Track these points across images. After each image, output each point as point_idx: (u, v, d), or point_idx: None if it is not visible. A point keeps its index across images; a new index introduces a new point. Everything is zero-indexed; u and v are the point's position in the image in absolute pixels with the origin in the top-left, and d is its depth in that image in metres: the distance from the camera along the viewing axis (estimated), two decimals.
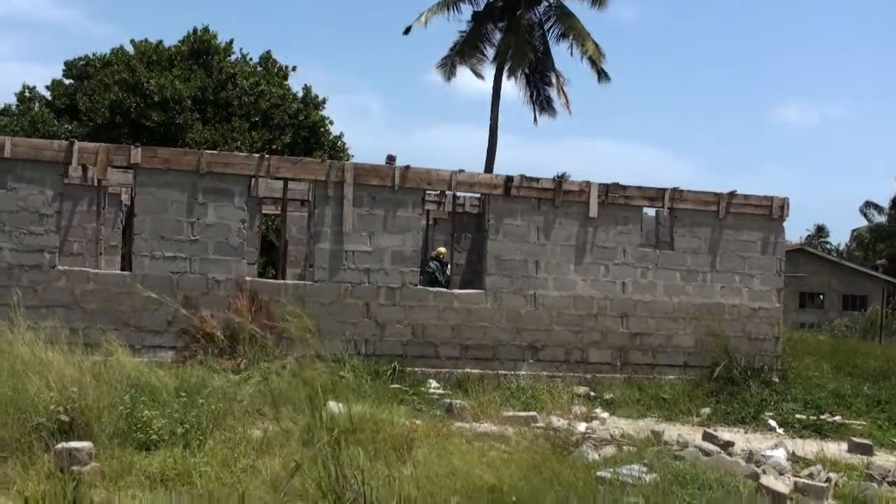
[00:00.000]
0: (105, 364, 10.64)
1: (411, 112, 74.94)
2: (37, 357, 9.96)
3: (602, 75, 31.86)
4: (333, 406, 8.33)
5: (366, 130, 67.43)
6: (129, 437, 8.89)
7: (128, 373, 10.85)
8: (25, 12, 69.55)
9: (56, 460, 7.66)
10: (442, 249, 18.72)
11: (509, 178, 16.57)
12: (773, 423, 13.90)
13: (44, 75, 60.08)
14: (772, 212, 17.55)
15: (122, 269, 18.43)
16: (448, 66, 32.25)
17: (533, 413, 12.24)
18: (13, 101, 34.12)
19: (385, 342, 15.66)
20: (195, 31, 34.25)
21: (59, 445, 7.80)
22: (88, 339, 12.99)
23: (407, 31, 31.90)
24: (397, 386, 13.70)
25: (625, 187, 16.98)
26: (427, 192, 17.44)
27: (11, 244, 14.55)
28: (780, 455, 10.50)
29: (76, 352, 10.60)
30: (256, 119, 32.56)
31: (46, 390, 8.79)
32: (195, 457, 8.43)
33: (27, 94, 34.06)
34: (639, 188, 17.14)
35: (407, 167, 16.19)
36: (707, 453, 10.11)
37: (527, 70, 32.13)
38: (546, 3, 32.47)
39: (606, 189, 16.83)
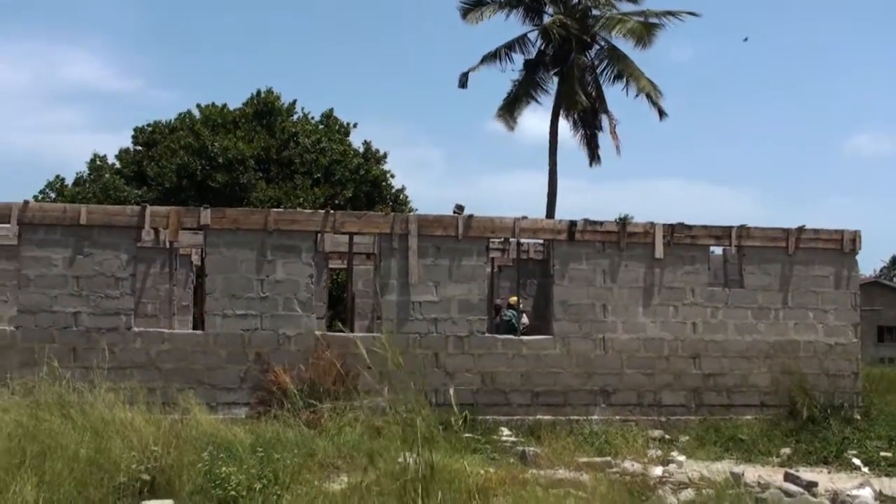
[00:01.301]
0: (182, 422, 10.82)
1: (471, 161, 75.76)
2: (117, 417, 10.19)
3: (661, 113, 31.79)
4: (408, 457, 8.35)
5: (427, 181, 68.23)
6: (209, 493, 9.00)
7: (205, 430, 11.02)
8: (92, 84, 72.22)
9: None
10: (514, 298, 18.73)
11: (572, 223, 16.57)
12: (857, 461, 13.48)
13: (112, 143, 62.31)
14: (843, 245, 17.23)
15: (195, 328, 18.78)
16: (505, 116, 32.48)
17: (608, 458, 12.08)
18: (84, 170, 35.29)
19: (456, 391, 15.62)
20: (258, 92, 35.18)
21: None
22: (165, 398, 13.26)
23: (462, 84, 32.24)
24: (469, 435, 13.65)
25: (690, 227, 16.85)
26: (491, 239, 17.50)
27: (89, 308, 14.97)
28: (866, 495, 10.18)
29: (154, 411, 10.83)
30: (318, 175, 33.15)
31: (128, 450, 8.97)
32: None
33: (98, 162, 35.19)
34: (704, 227, 16.98)
35: (470, 216, 16.31)
36: (790, 494, 9.86)
37: (580, 115, 32.22)
38: (597, 47, 32.62)
39: (672, 229, 16.72)
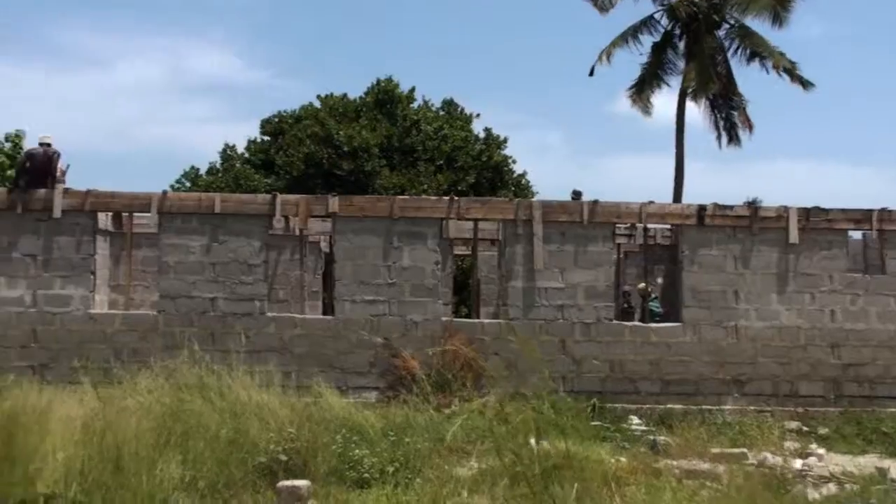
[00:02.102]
0: (315, 405, 11.09)
1: (592, 145, 74.66)
2: (253, 400, 10.51)
3: (806, 84, 30.42)
4: (537, 444, 8.29)
5: (547, 166, 67.65)
6: (343, 475, 9.20)
7: (337, 413, 11.26)
8: (222, 77, 74.59)
9: (278, 498, 8.03)
10: (642, 285, 18.44)
11: (702, 208, 16.15)
12: None
13: (242, 133, 64.28)
14: None
15: (324, 313, 19.20)
16: (636, 99, 31.83)
17: (743, 450, 11.75)
18: (217, 159, 36.50)
19: (583, 378, 15.52)
20: (378, 81, 35.60)
21: (281, 484, 8.17)
22: (299, 382, 13.65)
23: (591, 72, 31.70)
24: (598, 423, 13.53)
25: (827, 210, 16.18)
26: (617, 225, 17.24)
27: (225, 294, 15.49)
28: None
29: (289, 394, 11.14)
30: (441, 162, 33.32)
31: (265, 431, 9.24)
32: (406, 495, 8.62)
33: (228, 152, 36.33)
34: (842, 210, 16.28)
35: (595, 202, 16.09)
36: None
37: (710, 96, 31.30)
38: (727, 26, 31.63)
39: (807, 213, 16.09)
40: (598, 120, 74.67)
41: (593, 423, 13.23)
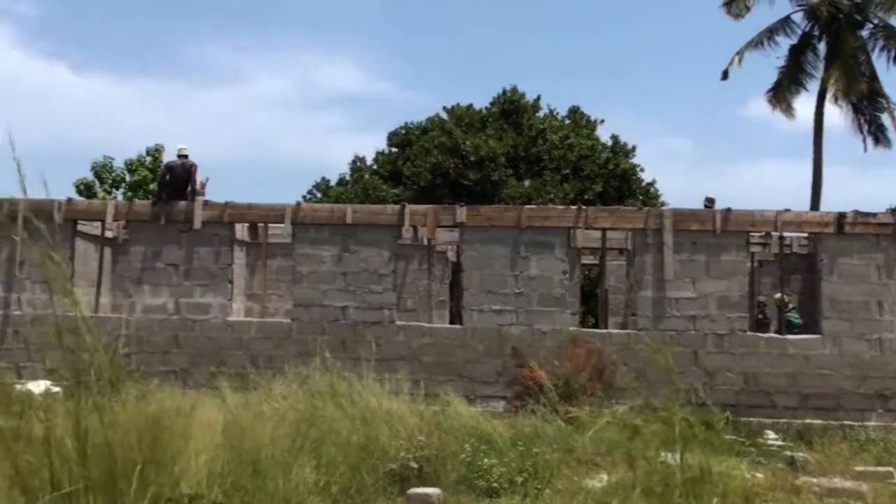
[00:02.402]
0: (443, 413, 11.15)
1: (722, 151, 72.65)
2: (383, 407, 10.66)
3: None
4: (668, 457, 8.11)
5: (675, 173, 66.20)
6: (472, 484, 9.22)
7: (465, 422, 11.29)
8: (350, 89, 76.30)
9: None
10: (778, 295, 17.84)
11: (842, 215, 15.50)
12: None
13: (370, 145, 65.73)
14: None
15: (451, 322, 19.34)
16: (775, 102, 30.78)
17: (889, 468, 11.18)
18: (346, 171, 37.36)
19: (715, 391, 15.09)
20: (504, 91, 35.71)
21: (411, 491, 8.27)
22: (427, 390, 13.75)
23: (724, 76, 30.87)
24: (732, 437, 13.12)
25: None
26: (751, 234, 16.73)
27: (356, 303, 15.81)
28: None
29: (417, 402, 11.23)
30: (567, 171, 33.13)
31: (395, 439, 9.35)
32: None
33: (358, 164, 37.12)
34: None
35: (728, 210, 15.68)
36: None
37: (854, 99, 29.99)
38: (870, 26, 30.28)
39: None
40: (729, 125, 72.64)
41: (727, 437, 12.84)
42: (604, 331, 16.24)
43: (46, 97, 72.23)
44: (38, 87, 72.73)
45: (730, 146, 73.93)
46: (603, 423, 12.38)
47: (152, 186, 31.26)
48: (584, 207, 16.23)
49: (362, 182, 34.70)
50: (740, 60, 30.28)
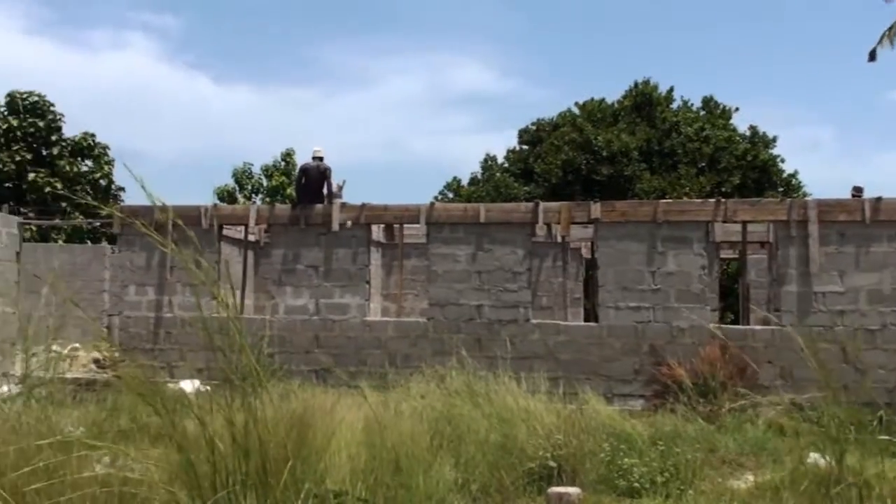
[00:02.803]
0: (581, 412, 11.05)
1: (867, 138, 69.21)
2: (520, 405, 10.66)
3: None
4: (816, 457, 7.80)
5: (817, 163, 63.45)
6: (612, 483, 9.10)
7: (603, 421, 11.16)
8: (479, 88, 76.63)
9: None
10: None
11: None
12: None
13: (500, 143, 65.94)
14: None
15: (586, 320, 19.16)
16: None
17: None
18: (478, 169, 37.53)
19: (866, 389, 14.40)
20: (636, 84, 35.14)
21: (551, 490, 8.21)
22: (564, 389, 13.66)
23: (872, 56, 29.36)
24: (886, 437, 12.49)
25: None
26: None
27: (490, 301, 15.84)
28: None
29: (554, 400, 11.17)
30: (703, 164, 32.34)
31: (533, 437, 9.32)
32: None
33: (489, 162, 37.24)
34: None
35: (879, 199, 14.93)
36: None
37: None
38: None
39: None
40: (877, 111, 69.20)
41: (881, 438, 12.24)
42: (745, 327, 15.74)
43: (190, 108, 75.49)
44: (181, 99, 76.09)
45: (876, 133, 70.43)
46: (745, 422, 12.09)
47: (289, 191, 32.28)
48: (722, 200, 15.75)
49: (493, 180, 34.80)
50: (892, 40, 28.74)
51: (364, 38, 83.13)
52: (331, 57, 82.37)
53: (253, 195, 35.48)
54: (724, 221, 15.99)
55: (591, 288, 19.42)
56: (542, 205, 16.13)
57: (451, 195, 36.59)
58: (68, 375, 15.41)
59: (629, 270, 15.41)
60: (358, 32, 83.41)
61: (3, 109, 32.24)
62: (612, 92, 43.83)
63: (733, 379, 13.76)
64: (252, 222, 17.34)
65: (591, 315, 19.10)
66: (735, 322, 22.66)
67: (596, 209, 15.69)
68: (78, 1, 79.95)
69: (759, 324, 16.85)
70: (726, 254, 21.86)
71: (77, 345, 18.91)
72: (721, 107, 35.27)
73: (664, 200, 16.70)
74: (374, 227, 17.72)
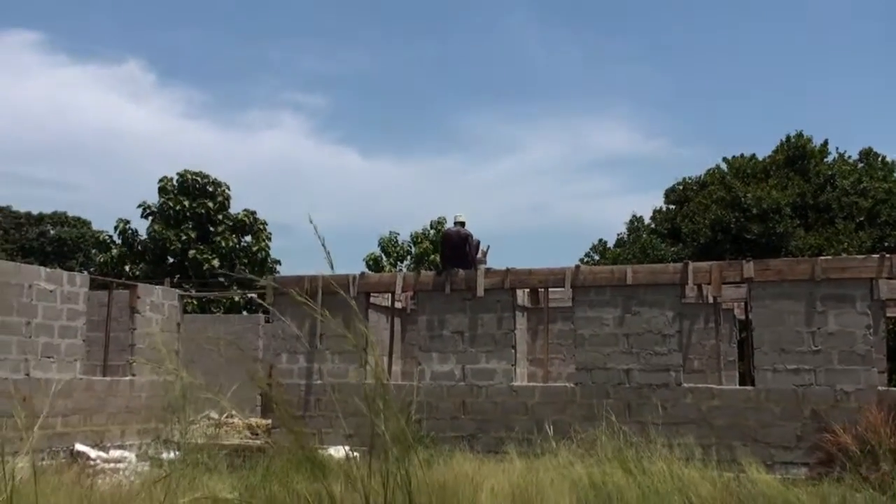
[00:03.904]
0: (739, 481, 10.53)
1: None
2: (674, 474, 10.25)
3: None
4: None
5: None
6: None
7: (762, 490, 10.59)
8: (621, 150, 76.29)
9: None
10: None
11: None
12: None
13: (646, 204, 65.10)
14: None
15: (741, 383, 18.38)
16: None
17: None
18: (623, 230, 37.06)
19: None
20: (788, 138, 34.06)
21: None
22: (718, 455, 13.10)
23: None
24: None
25: None
26: None
27: (640, 365, 15.42)
28: None
29: (709, 468, 10.70)
30: (861, 219, 30.86)
31: None
32: None
33: (635, 223, 36.72)
34: None
35: None
36: None
37: None
38: None
39: None
40: None
41: None
42: None
43: (338, 181, 78.10)
44: (330, 173, 78.90)
45: None
46: None
47: (433, 258, 32.71)
48: (887, 256, 14.89)
49: (640, 242, 34.23)
50: None
51: (506, 106, 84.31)
52: (474, 125, 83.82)
53: (398, 262, 36.12)
54: (890, 278, 15.10)
55: (745, 350, 18.65)
56: (691, 265, 15.69)
57: (596, 258, 36.20)
58: (224, 442, 15.92)
59: (787, 331, 14.72)
60: (497, 100, 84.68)
61: (174, 190, 34.04)
62: (762, 148, 42.69)
63: None
64: (398, 289, 17.59)
65: (745, 378, 18.32)
66: None
67: (749, 268, 15.13)
68: (233, 85, 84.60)
69: None
70: (892, 312, 20.63)
71: (233, 412, 19.56)
72: (881, 158, 33.72)
73: (823, 257, 15.93)
74: (519, 292, 17.62)
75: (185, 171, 34.32)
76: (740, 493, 9.81)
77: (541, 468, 10.54)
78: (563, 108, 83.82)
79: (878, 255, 14.94)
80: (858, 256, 16.16)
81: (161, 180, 34.11)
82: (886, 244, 28.51)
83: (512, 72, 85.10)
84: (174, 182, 34.14)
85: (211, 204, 33.91)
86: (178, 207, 33.44)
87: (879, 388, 14.40)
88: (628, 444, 12.18)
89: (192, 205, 33.60)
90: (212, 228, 33.89)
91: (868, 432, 13.16)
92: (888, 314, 20.45)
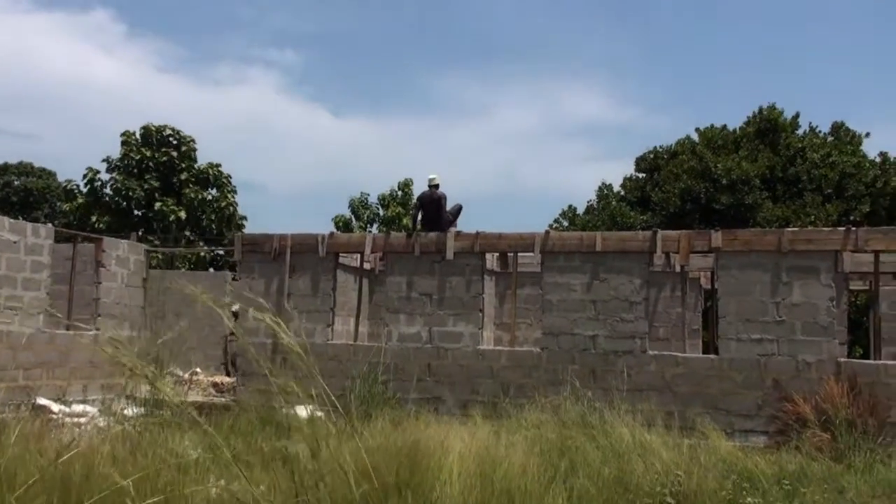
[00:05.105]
0: (699, 447, 10.68)
1: None
2: (636, 439, 10.37)
3: None
4: None
5: None
6: None
7: (723, 457, 10.77)
8: (594, 118, 76.27)
9: None
10: None
11: None
12: None
13: (616, 172, 65.26)
14: None
15: (704, 352, 18.59)
16: None
17: None
18: (593, 198, 37.13)
19: None
20: (760, 110, 34.19)
21: None
22: (681, 422, 13.26)
23: None
24: None
25: None
26: None
27: (606, 331, 15.52)
28: None
29: (671, 434, 10.84)
30: (829, 191, 31.14)
31: (649, 472, 9.04)
32: None
33: (604, 191, 36.80)
34: None
35: None
36: None
37: None
38: None
39: None
40: None
41: None
42: (877, 362, 14.93)
43: (308, 140, 77.48)
44: (300, 131, 78.23)
45: None
46: (875, 462, 11.47)
47: (405, 221, 32.62)
48: (853, 229, 15.04)
49: (609, 209, 34.32)
50: None
51: (479, 70, 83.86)
52: (446, 88, 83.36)
53: (369, 225, 35.98)
54: (855, 251, 15.28)
55: (710, 319, 18.85)
56: (660, 233, 15.76)
57: (566, 224, 36.28)
58: (188, 399, 15.86)
59: (752, 301, 14.87)
60: (473, 64, 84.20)
61: (138, 141, 33.66)
62: (734, 119, 42.86)
63: (862, 416, 13.10)
64: (368, 250, 17.51)
65: (709, 347, 18.53)
66: (864, 357, 21.64)
67: (717, 238, 15.23)
68: (204, 39, 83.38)
69: (891, 359, 16.03)
70: (855, 285, 20.92)
71: (198, 369, 19.51)
72: (851, 133, 33.97)
73: (790, 229, 16.06)
74: (489, 256, 17.64)
75: (149, 123, 33.95)
76: (701, 458, 9.94)
77: (506, 431, 10.62)
78: (537, 74, 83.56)
79: (843, 228, 15.08)
80: (825, 229, 16.32)
81: (123, 134, 33.73)
82: (852, 217, 28.83)
83: (488, 35, 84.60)
84: (137, 136, 33.75)
85: (175, 153, 33.57)
86: (138, 157, 33.11)
87: (840, 359, 14.61)
88: (592, 409, 12.32)
89: (154, 154, 33.26)
90: (175, 179, 33.53)
91: (826, 403, 13.37)
92: (851, 287, 20.74)
